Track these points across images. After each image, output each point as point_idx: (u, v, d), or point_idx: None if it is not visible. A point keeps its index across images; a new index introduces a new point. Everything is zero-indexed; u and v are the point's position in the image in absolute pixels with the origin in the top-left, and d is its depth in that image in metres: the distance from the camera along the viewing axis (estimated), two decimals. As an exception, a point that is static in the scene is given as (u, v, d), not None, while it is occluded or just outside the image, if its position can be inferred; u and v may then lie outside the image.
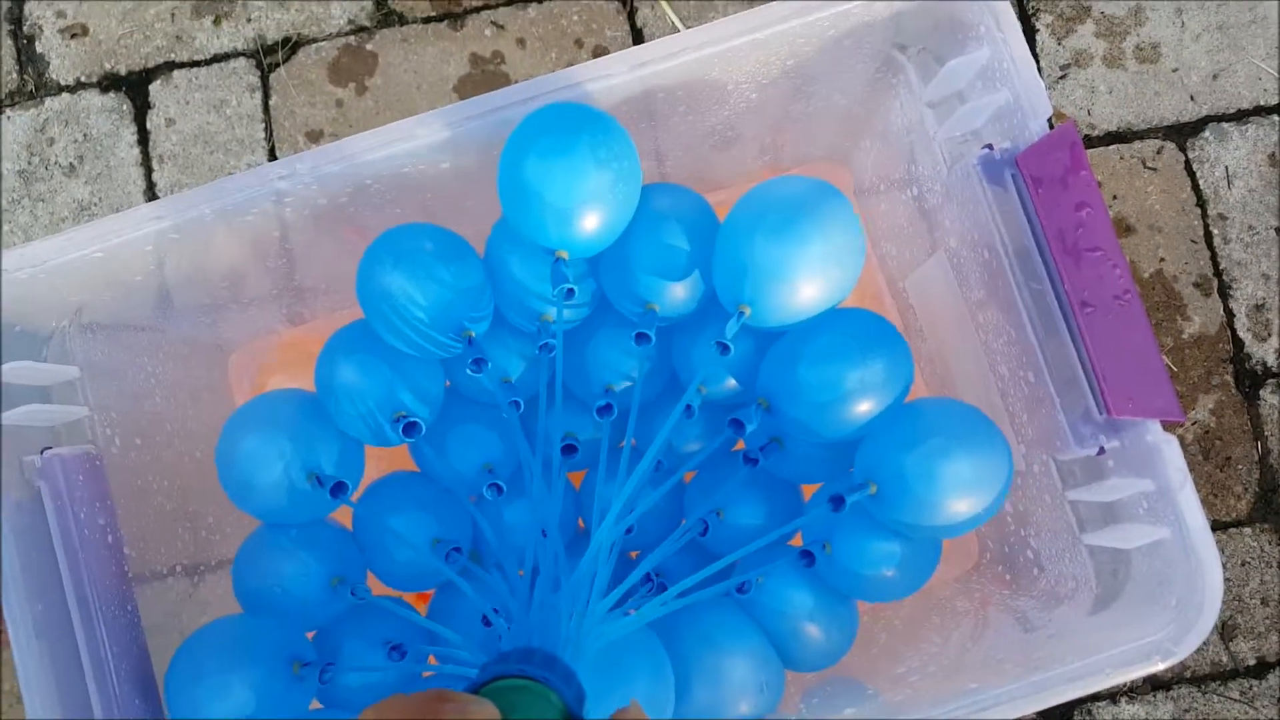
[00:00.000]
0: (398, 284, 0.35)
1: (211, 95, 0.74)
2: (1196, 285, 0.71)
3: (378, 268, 0.35)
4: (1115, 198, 0.73)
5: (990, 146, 0.38)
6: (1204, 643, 0.63)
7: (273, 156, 0.73)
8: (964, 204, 0.40)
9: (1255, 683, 0.68)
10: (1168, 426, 0.34)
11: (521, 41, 0.75)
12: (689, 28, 0.37)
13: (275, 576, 0.39)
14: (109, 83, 0.74)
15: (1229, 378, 0.71)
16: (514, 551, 0.39)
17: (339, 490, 0.37)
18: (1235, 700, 0.68)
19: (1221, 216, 0.72)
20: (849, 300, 0.38)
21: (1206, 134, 0.73)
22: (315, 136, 0.73)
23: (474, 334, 0.35)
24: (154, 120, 0.74)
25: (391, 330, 0.36)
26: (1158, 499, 0.34)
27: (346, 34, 0.75)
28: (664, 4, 0.75)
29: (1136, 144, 0.73)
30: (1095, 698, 0.68)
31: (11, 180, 0.74)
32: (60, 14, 0.76)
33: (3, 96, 0.75)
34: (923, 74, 0.42)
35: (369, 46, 0.74)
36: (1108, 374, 0.35)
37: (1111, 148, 0.73)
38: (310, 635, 0.41)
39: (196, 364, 0.49)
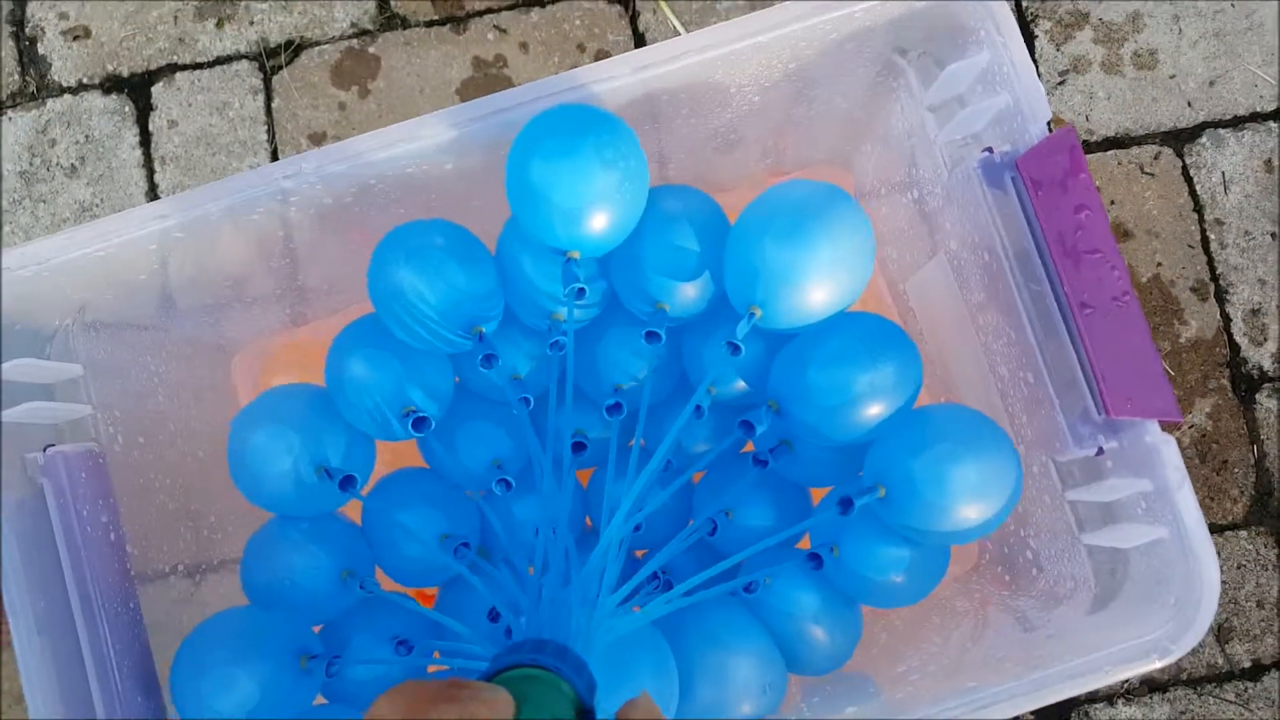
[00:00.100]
0: (409, 279, 0.35)
1: (214, 97, 0.74)
2: (1193, 290, 0.72)
3: (390, 263, 0.36)
4: (1113, 203, 0.73)
5: (990, 150, 0.38)
6: (1200, 645, 0.64)
7: (275, 159, 0.73)
8: (964, 207, 0.40)
9: (1251, 685, 0.68)
10: (1166, 427, 0.35)
11: (524, 46, 0.75)
12: (690, 31, 0.37)
13: (285, 569, 0.39)
14: (111, 84, 0.75)
15: (1225, 382, 0.71)
16: (523, 547, 0.39)
17: (348, 484, 0.37)
18: (1231, 702, 0.68)
19: (1218, 222, 0.73)
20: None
21: (1204, 140, 0.73)
22: (318, 139, 0.74)
23: (484, 331, 0.36)
24: (156, 122, 0.74)
25: (402, 325, 0.36)
26: (1156, 499, 0.35)
27: (349, 37, 0.75)
28: (665, 8, 0.75)
29: (1134, 150, 0.74)
30: (1092, 699, 0.68)
31: (13, 181, 0.74)
32: (63, 16, 0.76)
33: (4, 98, 0.75)
34: (923, 78, 0.42)
35: (372, 50, 0.75)
36: (1107, 374, 0.35)
37: (1109, 153, 0.74)
38: (316, 630, 0.41)
39: (200, 364, 0.49)
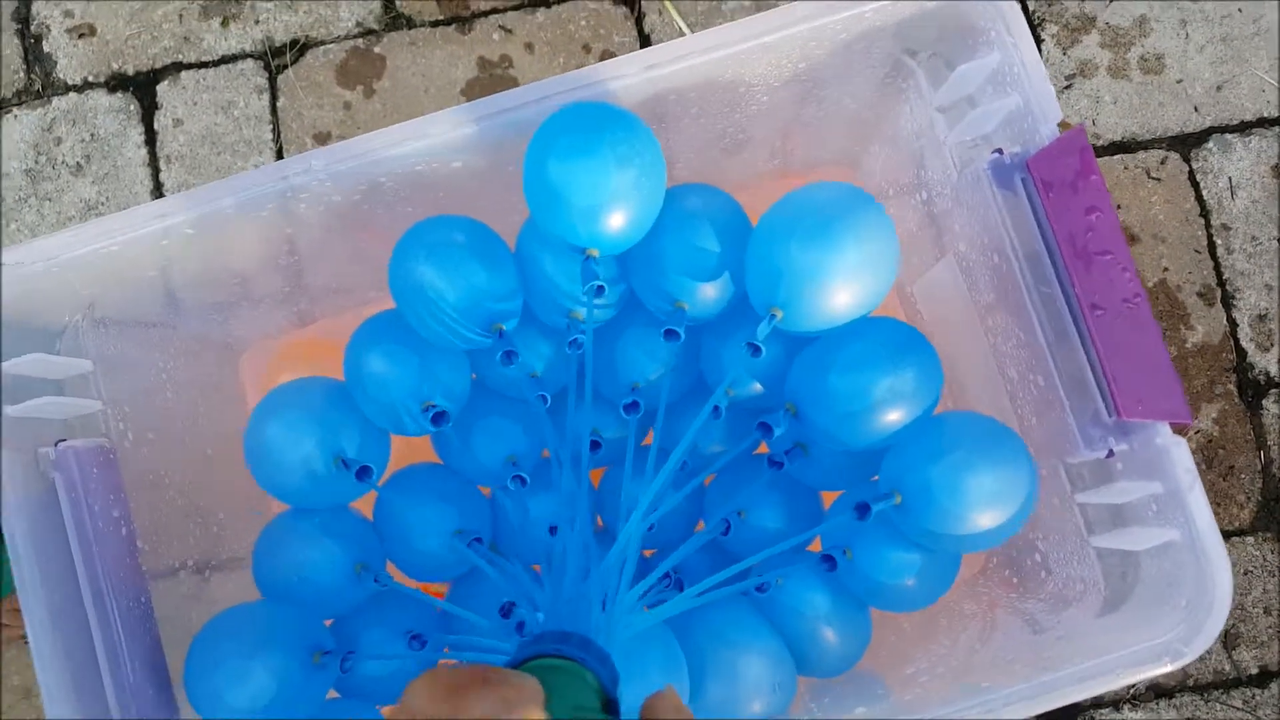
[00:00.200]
0: (430, 276, 0.35)
1: (219, 96, 0.74)
2: (1200, 295, 0.72)
3: (411, 259, 0.36)
4: (1119, 207, 0.73)
5: (1000, 151, 0.38)
6: (1207, 651, 0.63)
7: (280, 159, 0.73)
8: (974, 208, 0.40)
9: (1258, 691, 0.68)
10: (1176, 429, 0.34)
11: (529, 46, 0.75)
12: (695, 32, 0.37)
13: (297, 562, 0.39)
14: (116, 83, 0.75)
15: (1232, 387, 0.71)
16: (538, 542, 0.39)
17: (364, 474, 0.37)
18: (1238, 709, 0.68)
19: (1225, 227, 0.72)
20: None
21: (1210, 145, 0.73)
22: (323, 138, 0.73)
23: (504, 328, 0.36)
24: (161, 121, 0.74)
25: (422, 321, 0.36)
26: (1167, 501, 0.34)
27: (354, 36, 0.75)
28: (670, 8, 0.75)
29: (1141, 154, 0.74)
30: (1098, 704, 0.68)
31: (19, 179, 0.74)
32: (68, 13, 0.76)
33: (10, 96, 0.75)
34: (932, 79, 0.42)
35: (377, 49, 0.75)
36: (1117, 376, 0.35)
37: (1116, 158, 0.74)
38: (327, 624, 0.41)
39: (208, 361, 0.49)
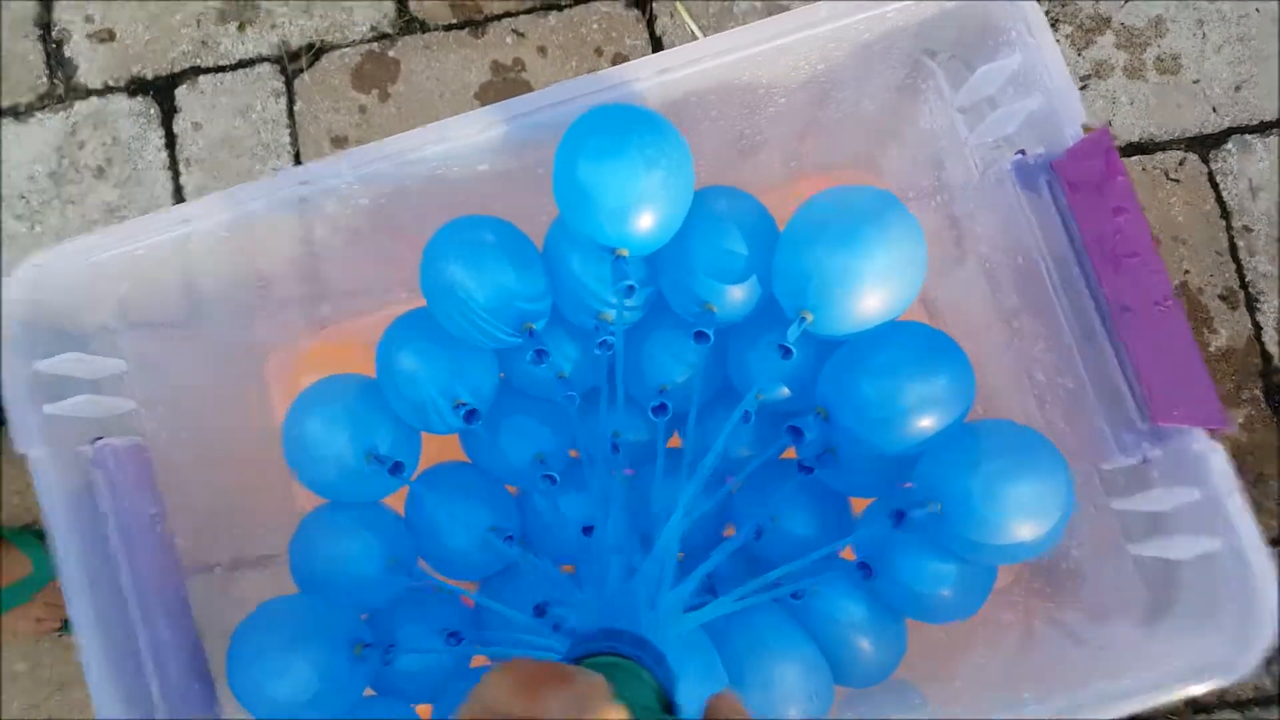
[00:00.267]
0: (461, 274, 0.36)
1: (237, 100, 0.74)
2: (1222, 298, 0.71)
3: (443, 258, 0.36)
4: (1138, 208, 0.72)
5: (1023, 152, 0.38)
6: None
7: (298, 162, 0.73)
8: (997, 210, 0.39)
9: (1290, 704, 0.67)
10: (1212, 434, 0.34)
11: (542, 49, 0.75)
12: (707, 36, 0.37)
13: (334, 555, 0.39)
14: (136, 87, 0.75)
15: (1259, 392, 0.70)
16: (568, 542, 0.39)
17: (397, 470, 0.38)
18: (1269, 721, 0.67)
19: (1246, 229, 0.72)
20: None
21: (1229, 146, 0.72)
22: (340, 142, 0.74)
23: (535, 327, 0.36)
24: (180, 124, 0.74)
25: (452, 320, 0.37)
26: (1206, 509, 0.34)
27: (369, 40, 0.75)
28: (682, 10, 0.75)
29: (1159, 155, 0.73)
30: (1134, 718, 0.67)
31: (43, 181, 0.74)
32: (88, 18, 0.77)
33: (34, 100, 0.76)
34: (952, 79, 0.42)
35: (391, 53, 0.75)
36: (1152, 380, 0.34)
37: (1133, 159, 0.73)
38: (362, 619, 0.41)
39: (236, 363, 0.49)
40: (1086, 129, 0.36)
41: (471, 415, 0.37)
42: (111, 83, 0.76)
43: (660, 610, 0.31)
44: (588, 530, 0.36)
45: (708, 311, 0.37)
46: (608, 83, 0.35)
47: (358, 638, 0.38)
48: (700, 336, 0.36)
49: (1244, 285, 0.71)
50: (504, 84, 0.75)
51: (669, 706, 0.25)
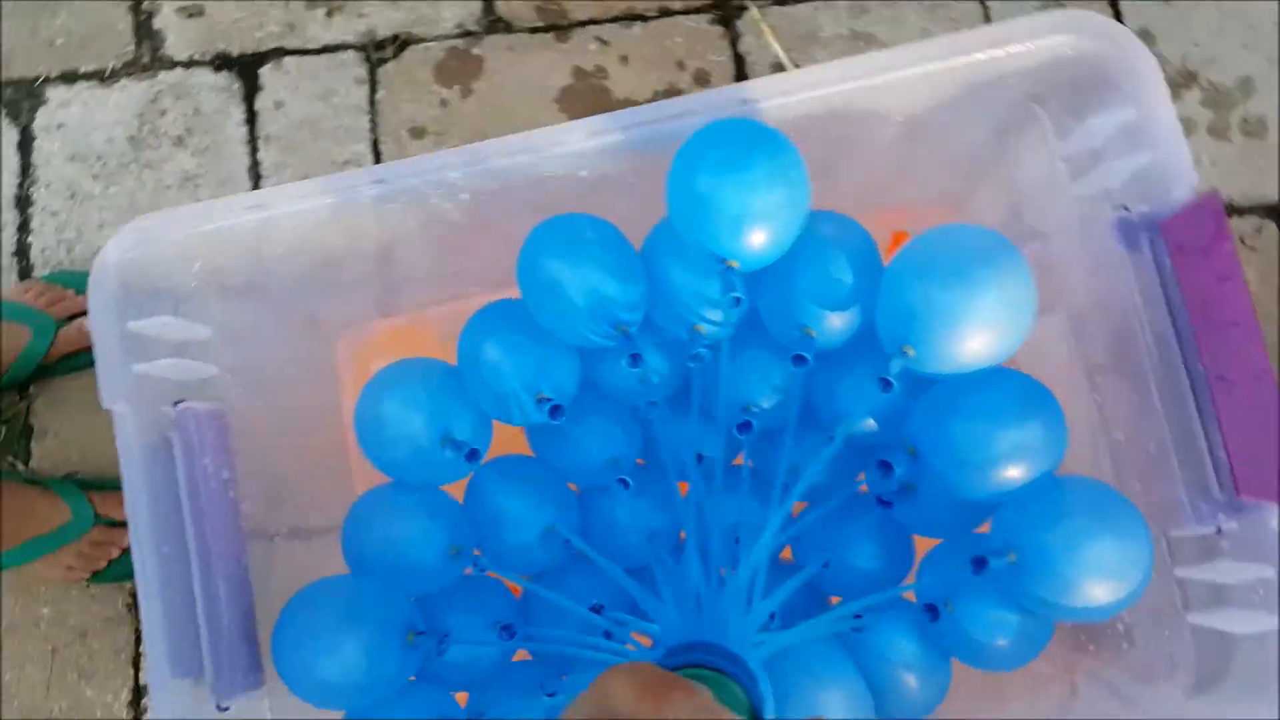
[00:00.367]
0: (560, 270, 0.36)
1: (320, 84, 0.76)
2: (1290, 369, 0.69)
3: (544, 253, 0.36)
4: (1210, 271, 0.71)
5: (1127, 208, 0.37)
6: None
7: (376, 149, 0.74)
8: (1093, 264, 0.39)
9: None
10: (1294, 514, 0.33)
11: (624, 59, 0.76)
12: (792, 59, 0.38)
13: (395, 538, 0.39)
14: (221, 62, 0.77)
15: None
16: (634, 547, 0.39)
17: (473, 456, 0.38)
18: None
19: (1321, 302, 0.70)
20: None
21: (1311, 216, 0.71)
22: (419, 133, 0.75)
23: (630, 329, 0.36)
24: (262, 102, 0.76)
25: (546, 314, 0.37)
26: (1274, 587, 0.33)
27: (454, 36, 0.76)
28: (767, 34, 0.75)
29: (1235, 220, 0.71)
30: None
31: (121, 145, 0.76)
32: (183, -7, 0.79)
33: (120, 66, 0.78)
34: (1059, 128, 0.41)
35: (475, 51, 0.76)
36: (1240, 453, 0.34)
37: (1210, 220, 0.72)
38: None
39: (308, 340, 0.50)
40: (1189, 190, 0.36)
41: (556, 411, 0.37)
42: (198, 56, 0.78)
43: (750, 628, 0.31)
44: (681, 537, 0.36)
45: (806, 335, 0.37)
46: (738, 97, 0.36)
47: (411, 625, 0.38)
48: (799, 360, 0.36)
49: (1317, 360, 0.70)
50: (585, 89, 0.75)
51: None
